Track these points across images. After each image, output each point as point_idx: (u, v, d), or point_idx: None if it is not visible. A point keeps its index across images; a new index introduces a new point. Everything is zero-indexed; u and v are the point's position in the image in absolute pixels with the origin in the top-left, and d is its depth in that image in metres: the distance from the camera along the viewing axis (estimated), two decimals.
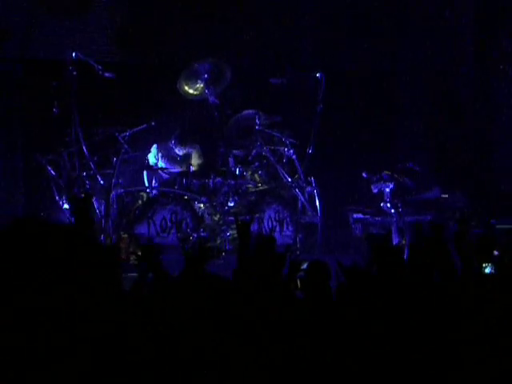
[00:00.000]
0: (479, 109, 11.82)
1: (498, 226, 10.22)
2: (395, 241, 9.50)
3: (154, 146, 9.81)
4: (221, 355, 4.00)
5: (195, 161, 9.90)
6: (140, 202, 9.33)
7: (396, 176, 9.70)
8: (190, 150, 9.88)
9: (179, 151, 9.84)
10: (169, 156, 9.82)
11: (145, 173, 9.68)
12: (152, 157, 9.78)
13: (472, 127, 11.84)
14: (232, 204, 9.47)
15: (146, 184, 9.61)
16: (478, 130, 11.84)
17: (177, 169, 9.70)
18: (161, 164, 9.78)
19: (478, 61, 11.84)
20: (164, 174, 9.66)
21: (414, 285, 4.49)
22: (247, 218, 9.23)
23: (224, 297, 4.34)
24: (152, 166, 9.70)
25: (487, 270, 5.14)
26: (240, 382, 3.70)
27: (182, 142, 9.79)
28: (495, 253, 5.16)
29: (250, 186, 9.68)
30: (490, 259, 5.07)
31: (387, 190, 9.81)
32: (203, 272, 4.89)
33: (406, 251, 9.11)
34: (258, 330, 4.01)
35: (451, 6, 11.73)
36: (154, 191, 9.45)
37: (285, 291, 4.81)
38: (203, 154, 9.96)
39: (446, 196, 10.44)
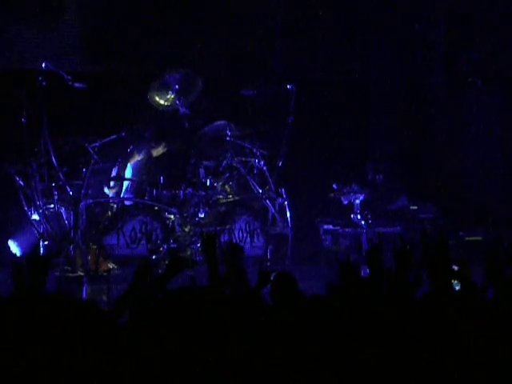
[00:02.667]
0: (448, 120, 11.91)
1: (466, 238, 10.30)
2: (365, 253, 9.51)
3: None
4: (194, 367, 3.98)
5: (158, 152, 9.82)
6: (110, 212, 9.28)
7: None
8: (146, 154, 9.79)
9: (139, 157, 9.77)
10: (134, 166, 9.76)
11: (111, 184, 9.59)
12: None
13: (442, 138, 11.92)
14: (202, 215, 9.45)
15: (110, 195, 9.54)
16: (448, 142, 11.92)
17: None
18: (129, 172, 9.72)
19: (448, 73, 11.93)
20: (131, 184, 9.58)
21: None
22: (214, 229, 9.22)
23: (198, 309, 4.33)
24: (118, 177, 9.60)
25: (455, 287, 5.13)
26: None
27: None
28: (454, 267, 5.15)
29: (221, 197, 9.67)
30: (449, 273, 5.06)
31: (357, 201, 9.84)
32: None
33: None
34: (231, 341, 4.00)
35: (421, 18, 11.82)
36: (124, 202, 9.40)
37: (255, 302, 4.81)
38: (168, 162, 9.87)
39: (415, 207, 10.49)
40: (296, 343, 3.97)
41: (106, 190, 9.51)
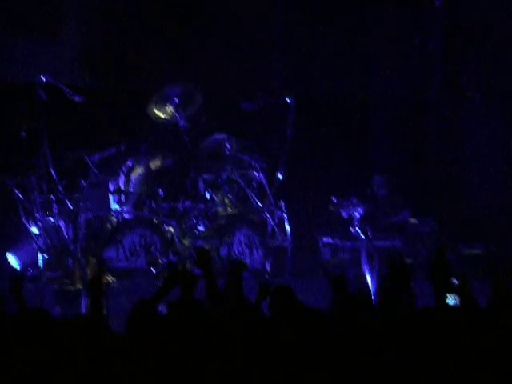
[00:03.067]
0: (448, 133, 11.92)
1: (466, 252, 10.28)
2: (365, 266, 9.50)
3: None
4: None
5: (156, 165, 9.83)
6: (109, 225, 9.27)
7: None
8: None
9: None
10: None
11: (111, 197, 9.59)
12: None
13: (442, 152, 11.92)
14: (202, 228, 9.44)
15: (114, 208, 9.53)
16: (447, 156, 11.93)
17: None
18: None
19: (447, 87, 11.95)
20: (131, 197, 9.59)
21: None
22: (218, 242, 9.20)
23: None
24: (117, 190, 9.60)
25: (451, 302, 5.11)
26: None
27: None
28: (455, 282, 5.13)
29: (220, 209, 9.66)
30: (448, 287, 5.04)
31: (357, 214, 9.83)
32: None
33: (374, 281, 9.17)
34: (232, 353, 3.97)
35: (420, 33, 11.85)
36: (124, 215, 9.39)
37: (254, 315, 4.79)
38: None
39: (416, 222, 10.48)
40: (295, 355, 3.94)
41: (116, 206, 9.49)
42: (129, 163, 9.63)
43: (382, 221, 10.21)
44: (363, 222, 9.97)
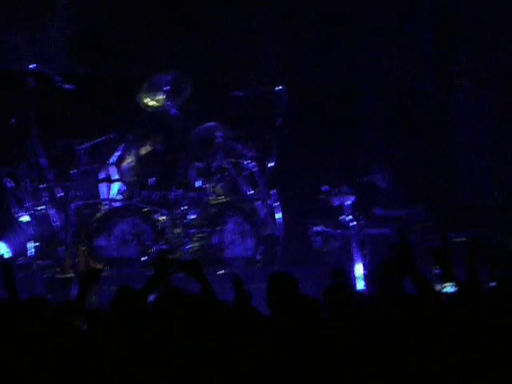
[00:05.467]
0: (439, 123, 11.94)
1: (454, 240, 10.31)
2: (356, 254, 9.52)
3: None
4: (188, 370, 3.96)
5: (146, 150, 9.82)
6: (99, 214, 9.26)
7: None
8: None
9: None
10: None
11: (100, 185, 9.58)
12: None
13: (432, 142, 11.94)
14: (193, 216, 9.44)
15: (104, 197, 9.52)
16: (438, 145, 11.95)
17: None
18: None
19: (438, 76, 11.96)
20: (122, 186, 9.57)
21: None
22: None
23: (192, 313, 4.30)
24: (107, 179, 9.59)
25: (450, 290, 5.14)
26: None
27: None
28: (436, 271, 5.15)
29: (211, 198, 9.66)
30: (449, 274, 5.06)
31: (347, 203, 9.84)
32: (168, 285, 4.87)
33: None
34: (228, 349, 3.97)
35: (412, 22, 11.85)
36: (114, 203, 9.38)
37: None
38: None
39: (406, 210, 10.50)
40: (295, 347, 3.94)
41: (119, 196, 9.48)
42: (119, 151, 9.62)
43: (381, 212, 10.19)
44: (354, 210, 9.98)
